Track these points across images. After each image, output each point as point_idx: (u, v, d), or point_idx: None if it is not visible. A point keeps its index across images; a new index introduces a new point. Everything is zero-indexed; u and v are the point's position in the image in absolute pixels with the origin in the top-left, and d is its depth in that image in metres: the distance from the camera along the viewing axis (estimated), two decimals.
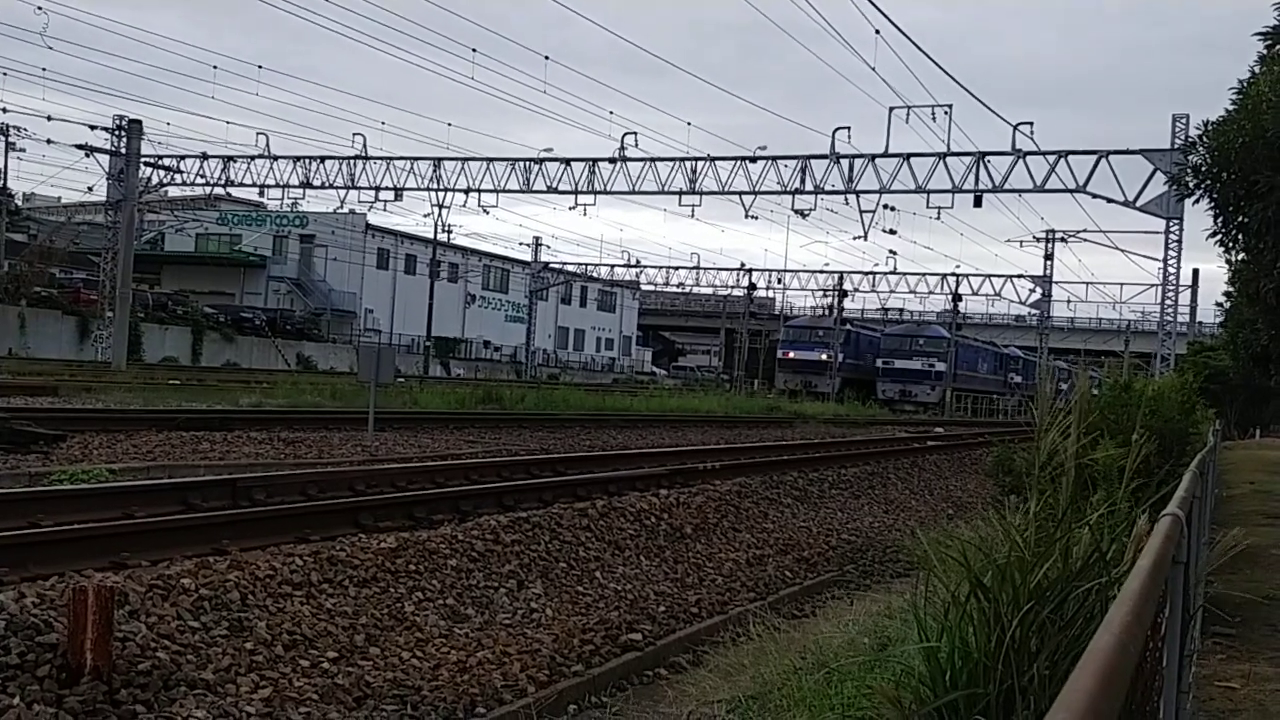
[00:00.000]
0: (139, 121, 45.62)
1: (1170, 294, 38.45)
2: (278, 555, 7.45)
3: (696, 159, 41.61)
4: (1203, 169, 10.71)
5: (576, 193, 43.04)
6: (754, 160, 40.79)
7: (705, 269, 75.99)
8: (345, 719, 5.83)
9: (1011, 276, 63.17)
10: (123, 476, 11.67)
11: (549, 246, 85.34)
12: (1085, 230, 54.26)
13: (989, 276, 64.77)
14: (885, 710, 4.31)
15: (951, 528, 11.16)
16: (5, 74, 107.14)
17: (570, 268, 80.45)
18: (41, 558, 6.86)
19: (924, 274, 69.03)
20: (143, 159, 46.19)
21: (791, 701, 5.50)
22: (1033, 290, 60.32)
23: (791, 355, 63.73)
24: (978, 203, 38.71)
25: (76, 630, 5.39)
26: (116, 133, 45.17)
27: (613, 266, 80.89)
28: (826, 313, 68.91)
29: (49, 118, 70.78)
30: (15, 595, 5.78)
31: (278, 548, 7.80)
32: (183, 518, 8.48)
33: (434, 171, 44.93)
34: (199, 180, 48.59)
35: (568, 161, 43.17)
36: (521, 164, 43.89)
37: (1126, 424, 9.74)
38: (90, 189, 52.13)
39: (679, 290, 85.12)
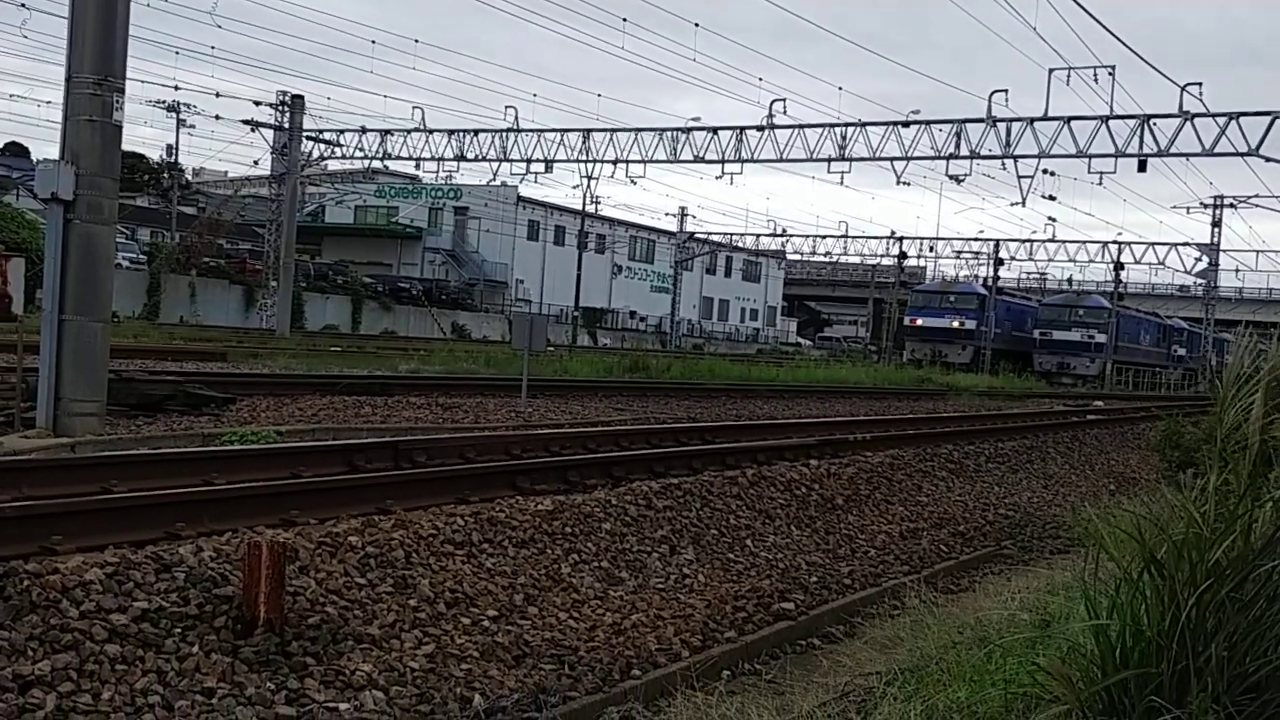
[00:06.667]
0: (301, 97, 47.18)
1: None
2: (439, 515, 7.63)
3: (847, 125, 40.94)
4: None
5: (724, 161, 42.84)
6: (906, 125, 39.96)
7: (854, 238, 74.89)
8: (505, 676, 5.94)
9: (1176, 245, 60.72)
10: (289, 438, 12.07)
11: (694, 217, 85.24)
12: (1257, 195, 51.77)
13: (1152, 245, 62.26)
14: (1053, 687, 4.19)
15: (1114, 503, 10.79)
16: (178, 53, 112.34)
17: (715, 238, 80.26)
18: (215, 514, 7.12)
19: (1084, 242, 66.88)
20: (304, 133, 47.71)
21: (950, 675, 5.38)
22: (1199, 259, 57.89)
23: (919, 322, 60.38)
24: (1142, 167, 37.25)
25: (251, 584, 5.58)
26: (280, 108, 46.75)
27: (758, 236, 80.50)
28: (975, 280, 66.86)
29: (217, 94, 74.02)
30: (194, 549, 6.02)
31: (439, 508, 7.99)
32: (348, 478, 8.72)
33: (583, 143, 45.28)
34: (358, 154, 50.01)
35: (715, 130, 42.98)
36: (669, 134, 43.91)
37: None
38: (256, 163, 54.08)
39: (826, 259, 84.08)
